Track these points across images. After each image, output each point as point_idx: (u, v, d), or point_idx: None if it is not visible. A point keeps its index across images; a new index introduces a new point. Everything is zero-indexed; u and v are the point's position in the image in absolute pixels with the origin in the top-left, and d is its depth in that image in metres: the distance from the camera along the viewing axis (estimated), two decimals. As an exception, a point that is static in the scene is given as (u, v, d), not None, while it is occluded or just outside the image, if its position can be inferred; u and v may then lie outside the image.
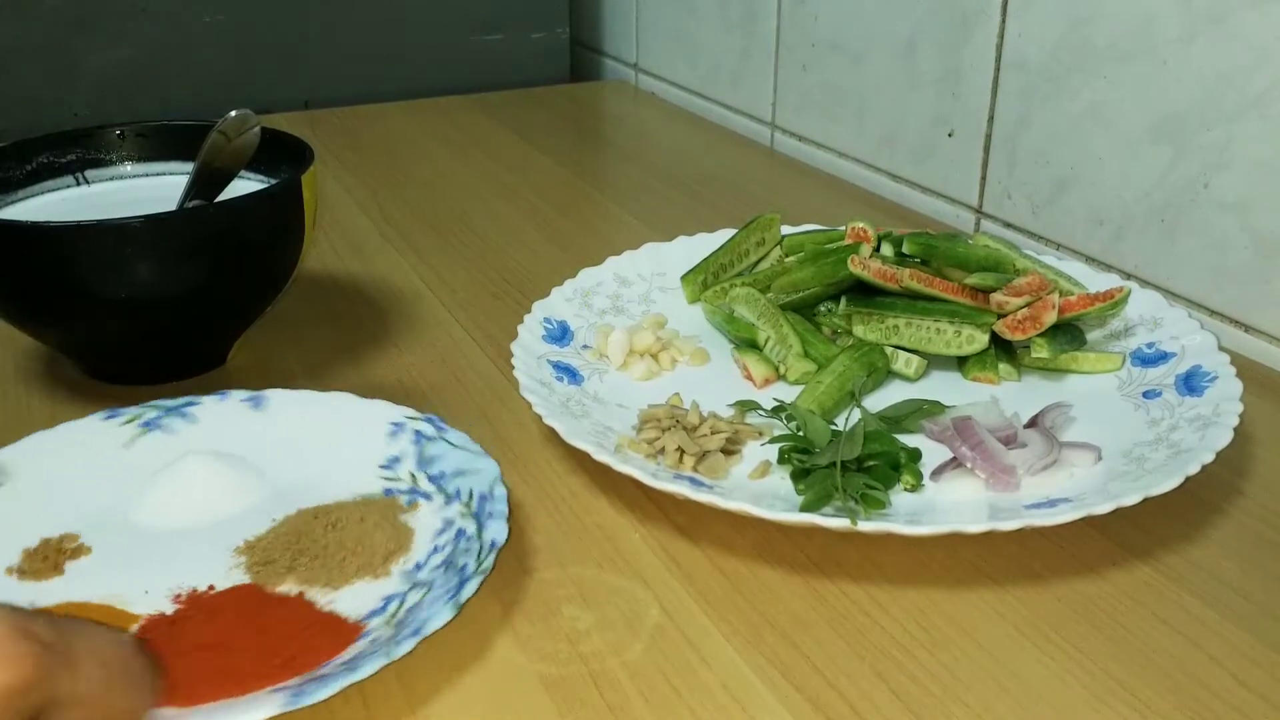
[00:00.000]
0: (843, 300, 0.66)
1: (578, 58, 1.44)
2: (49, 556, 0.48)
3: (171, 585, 0.47)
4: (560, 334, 0.66)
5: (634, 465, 0.52)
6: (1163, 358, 0.63)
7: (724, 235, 0.76)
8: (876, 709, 0.42)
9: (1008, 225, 0.87)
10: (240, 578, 0.47)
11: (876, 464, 0.54)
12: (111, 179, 0.70)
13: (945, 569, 0.50)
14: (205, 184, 0.66)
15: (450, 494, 0.51)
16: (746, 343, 0.66)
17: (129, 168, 0.71)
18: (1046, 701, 0.43)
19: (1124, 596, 0.48)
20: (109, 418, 0.55)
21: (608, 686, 0.43)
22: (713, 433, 0.56)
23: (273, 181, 0.68)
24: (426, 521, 0.50)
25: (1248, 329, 0.71)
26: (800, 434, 0.56)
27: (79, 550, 0.49)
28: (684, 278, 0.73)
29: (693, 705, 0.42)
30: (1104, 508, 0.48)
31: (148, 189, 0.69)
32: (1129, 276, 0.77)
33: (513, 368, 0.60)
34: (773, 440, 0.57)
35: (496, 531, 0.47)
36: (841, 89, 1.02)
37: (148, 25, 1.17)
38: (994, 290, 0.62)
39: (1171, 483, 0.50)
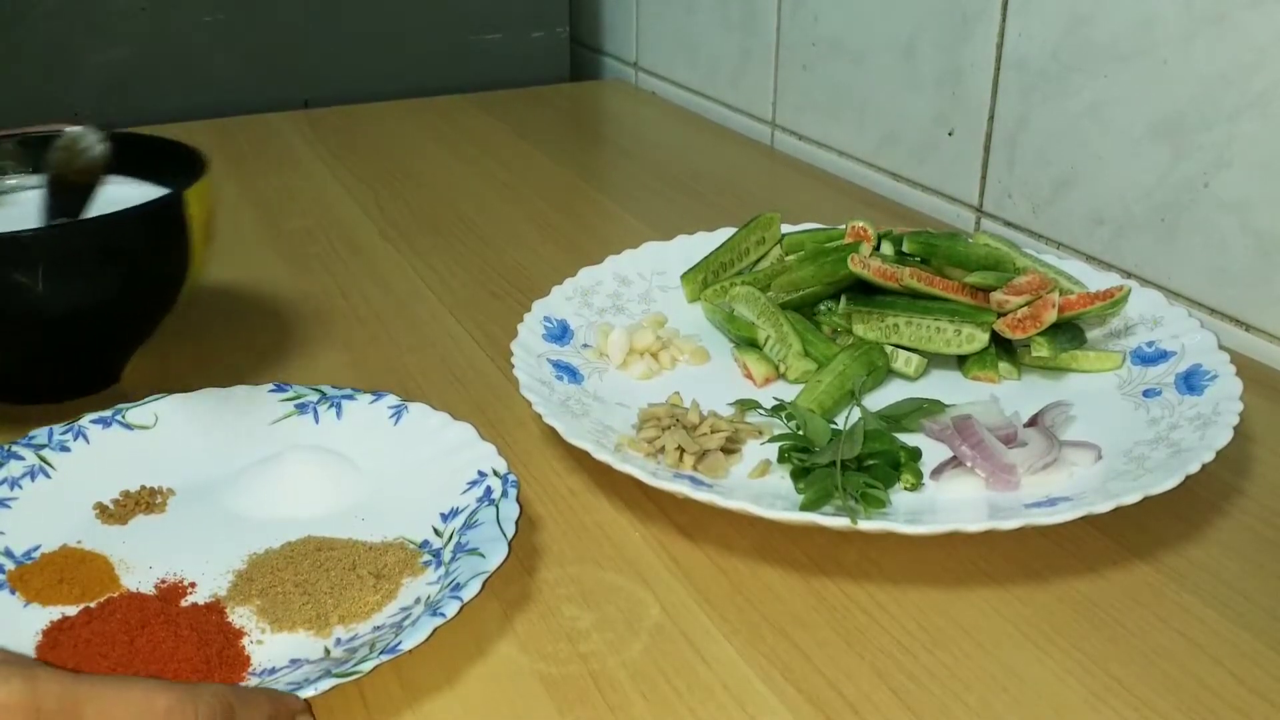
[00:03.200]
0: (843, 299, 0.66)
1: (577, 57, 1.44)
2: (130, 505, 0.52)
3: (170, 571, 0.48)
4: (560, 333, 0.66)
5: (634, 464, 0.52)
6: (1163, 356, 0.63)
7: (724, 234, 0.75)
8: (876, 708, 0.42)
9: (1008, 224, 0.87)
10: (219, 588, 0.47)
11: (876, 463, 0.54)
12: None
13: (945, 568, 0.50)
14: (64, 198, 0.61)
15: (449, 570, 0.47)
16: (746, 341, 0.66)
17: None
18: (1046, 701, 0.43)
19: (1124, 596, 0.48)
20: (274, 390, 0.58)
21: (608, 686, 0.43)
22: (713, 432, 0.56)
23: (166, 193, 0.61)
24: (410, 590, 0.47)
25: (1248, 328, 0.71)
26: (800, 433, 0.56)
27: (159, 507, 0.52)
28: (684, 277, 0.73)
29: (693, 705, 0.42)
30: (1104, 507, 0.48)
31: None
32: (1129, 275, 0.77)
33: (513, 367, 0.60)
34: (773, 439, 0.57)
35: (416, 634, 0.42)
36: (842, 88, 1.02)
37: (148, 25, 1.17)
38: (994, 289, 0.62)
39: (1171, 482, 0.50)
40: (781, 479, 0.55)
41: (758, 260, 0.75)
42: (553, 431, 0.55)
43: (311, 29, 1.24)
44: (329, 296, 0.77)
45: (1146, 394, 0.60)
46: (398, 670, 0.44)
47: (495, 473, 0.51)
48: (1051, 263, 0.69)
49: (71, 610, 0.45)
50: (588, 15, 1.45)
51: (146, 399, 0.57)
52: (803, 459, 0.54)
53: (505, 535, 0.47)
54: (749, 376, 0.64)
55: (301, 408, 0.57)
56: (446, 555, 0.48)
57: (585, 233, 0.88)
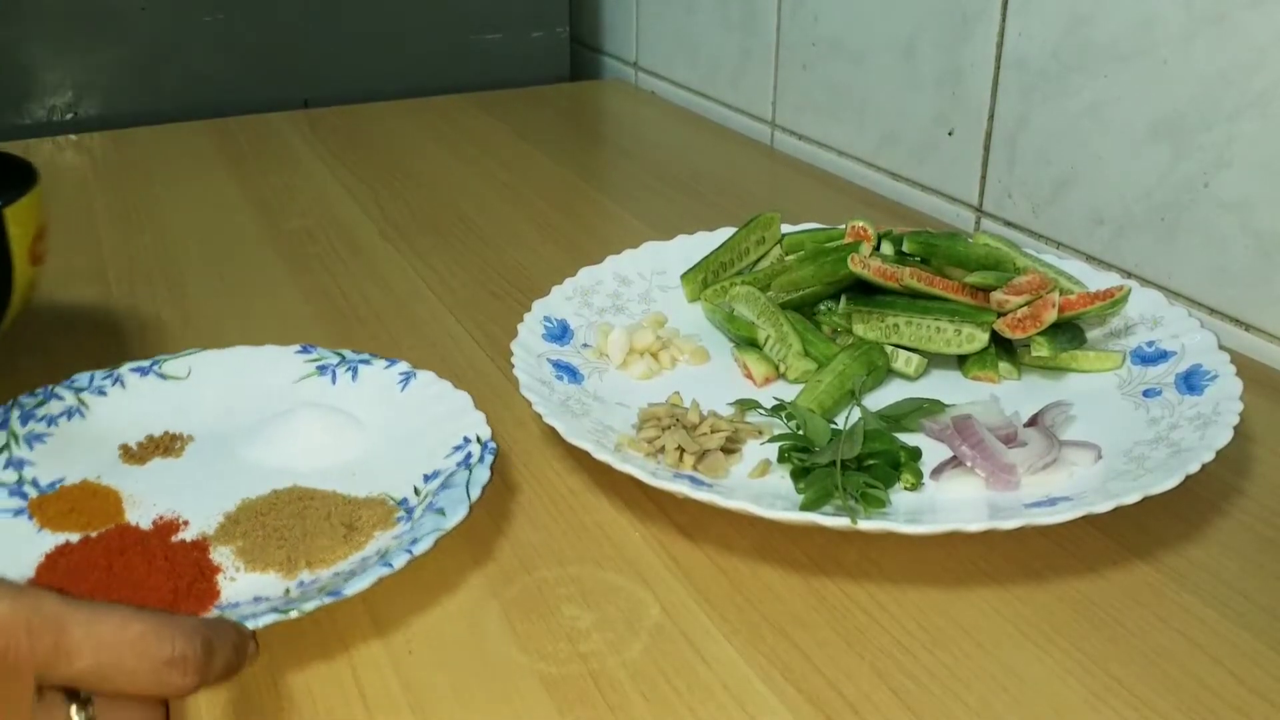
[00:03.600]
0: (843, 299, 0.66)
1: (577, 57, 1.44)
2: (150, 448, 0.57)
3: (170, 509, 0.52)
4: (560, 333, 0.66)
5: (634, 464, 0.52)
6: (1163, 356, 0.63)
7: (724, 234, 0.75)
8: (876, 708, 0.42)
9: (1008, 224, 0.87)
10: (208, 527, 0.51)
11: (876, 463, 0.54)
12: None
13: (945, 568, 0.50)
14: None
15: (414, 526, 0.49)
16: (746, 341, 0.66)
17: None
18: (1046, 701, 0.43)
19: (1124, 595, 0.48)
20: (299, 352, 0.62)
21: (608, 686, 0.43)
22: (713, 431, 0.56)
23: None
24: (377, 544, 0.49)
25: (1248, 328, 0.71)
26: (800, 433, 0.56)
27: (176, 452, 0.57)
28: (684, 276, 0.73)
29: (693, 705, 0.42)
30: (1104, 506, 0.48)
31: None
32: (1129, 275, 0.77)
33: (512, 367, 0.60)
34: (773, 439, 0.57)
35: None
36: (842, 88, 1.02)
37: (148, 25, 1.17)
38: (994, 289, 0.62)
39: (1171, 481, 0.50)
40: (781, 479, 0.55)
41: (758, 260, 0.75)
42: (553, 431, 0.55)
43: (311, 29, 1.24)
44: (329, 296, 0.77)
45: (1146, 394, 0.60)
46: (398, 670, 0.44)
47: (478, 440, 0.54)
48: (1051, 262, 0.69)
49: (74, 538, 0.49)
50: (588, 15, 1.45)
51: (184, 352, 0.62)
52: (803, 459, 0.54)
53: (470, 497, 0.50)
54: (749, 376, 0.64)
55: (322, 369, 0.62)
56: (417, 513, 0.51)
57: (585, 233, 0.88)
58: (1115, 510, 0.48)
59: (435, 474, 0.54)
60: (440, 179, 1.01)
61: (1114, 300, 0.63)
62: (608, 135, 1.22)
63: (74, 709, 0.34)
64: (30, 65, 1.14)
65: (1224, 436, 0.53)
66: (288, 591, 0.47)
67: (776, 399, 0.60)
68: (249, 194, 0.97)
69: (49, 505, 0.52)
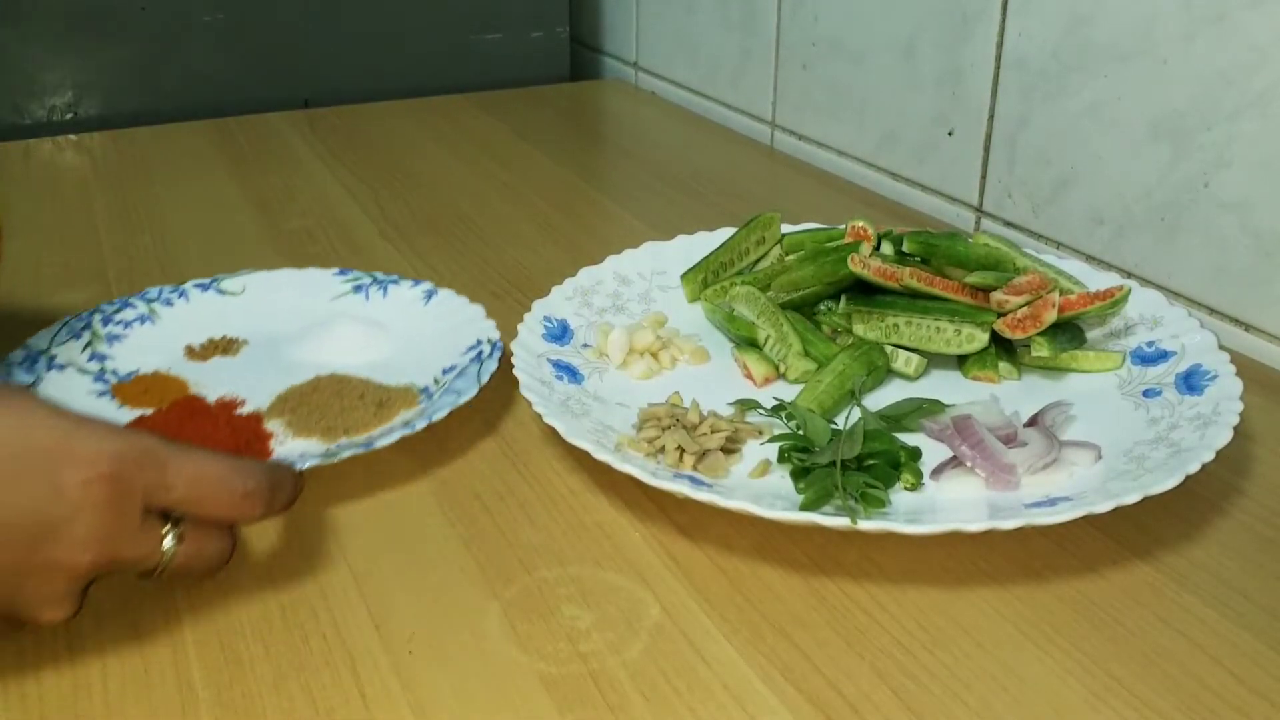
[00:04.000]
0: (843, 299, 0.66)
1: (577, 57, 1.44)
2: (211, 348, 0.68)
3: (229, 392, 0.62)
4: (560, 333, 0.66)
5: (634, 464, 0.52)
6: (1163, 356, 0.63)
7: (724, 234, 0.75)
8: (876, 708, 0.42)
9: (1008, 224, 0.87)
10: (262, 405, 0.61)
11: (876, 463, 0.54)
12: None
13: (945, 568, 0.50)
14: None
15: (433, 404, 0.60)
16: (746, 341, 0.66)
17: None
18: (1046, 701, 0.43)
19: (1124, 595, 0.48)
20: (338, 274, 0.73)
21: (608, 686, 0.43)
22: (713, 431, 0.56)
23: None
24: (402, 418, 0.60)
25: (1248, 328, 0.71)
26: (800, 433, 0.56)
27: (233, 351, 0.68)
28: (684, 276, 0.73)
29: (693, 705, 0.42)
30: (1104, 506, 0.48)
31: None
32: (1129, 275, 0.77)
33: (512, 366, 0.60)
34: (773, 439, 0.57)
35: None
36: (842, 88, 1.02)
37: (148, 25, 1.17)
38: (994, 289, 0.62)
39: (1171, 481, 0.50)
40: (781, 479, 0.55)
41: (758, 260, 0.75)
42: (553, 431, 0.55)
43: (311, 29, 1.24)
44: (329, 296, 0.77)
45: (1146, 394, 0.60)
46: (398, 670, 0.44)
47: (489, 340, 0.65)
48: (1051, 262, 0.69)
49: (149, 411, 0.60)
50: (588, 15, 1.45)
51: (239, 271, 0.74)
52: (803, 459, 0.54)
53: (480, 380, 0.60)
54: (749, 376, 0.64)
55: (357, 288, 0.73)
56: (436, 395, 0.61)
57: (585, 233, 0.88)
58: (1115, 510, 0.48)
59: (452, 368, 0.64)
60: (440, 179, 1.01)
61: (1114, 300, 0.63)
62: (608, 135, 1.22)
63: (168, 527, 0.43)
64: (30, 65, 1.14)
65: (1224, 436, 0.53)
66: (327, 451, 0.56)
67: (776, 399, 0.60)
68: (249, 194, 0.97)
69: (128, 389, 0.63)
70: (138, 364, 0.65)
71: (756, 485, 0.54)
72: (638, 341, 0.65)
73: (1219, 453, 0.52)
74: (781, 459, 0.55)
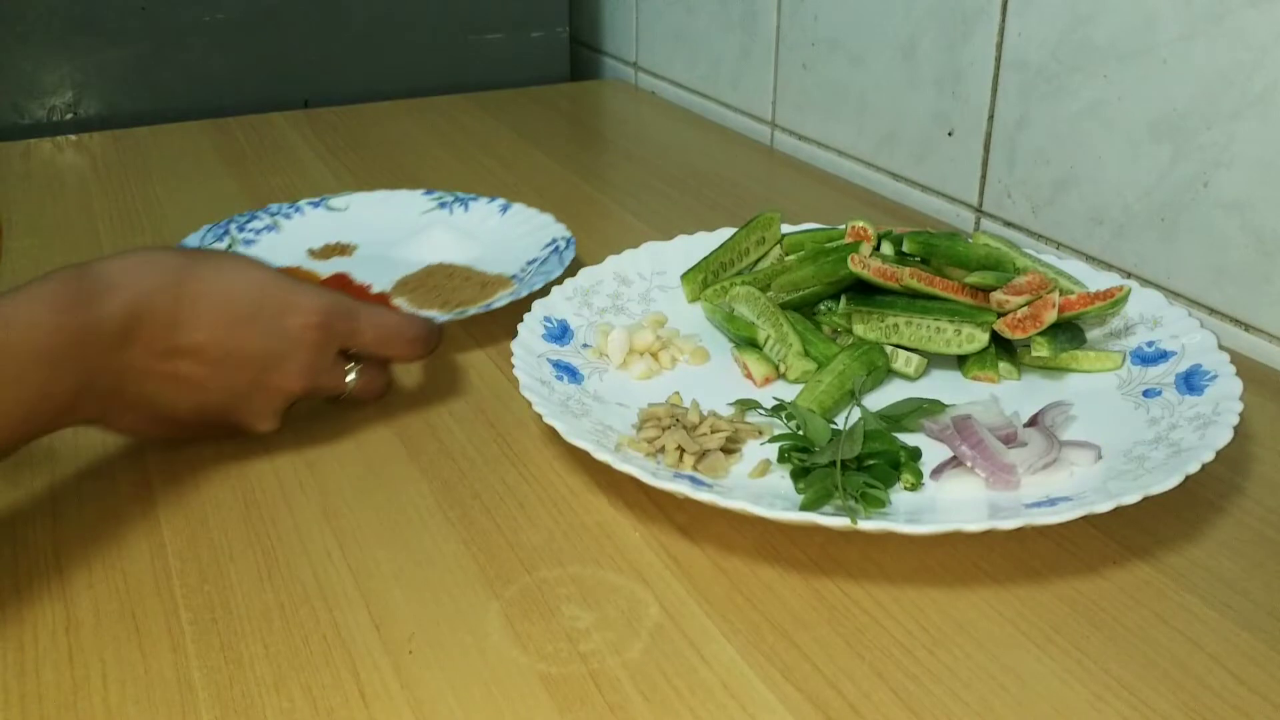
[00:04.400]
0: (843, 299, 0.66)
1: (577, 56, 1.44)
2: (329, 251, 0.83)
3: (359, 280, 0.77)
4: (560, 333, 0.66)
5: (634, 464, 0.52)
6: (1163, 356, 0.63)
7: (724, 234, 0.75)
8: (876, 708, 0.42)
9: (1008, 224, 0.87)
10: (386, 287, 0.77)
11: (876, 463, 0.54)
12: None
13: (945, 568, 0.50)
14: None
15: (527, 284, 0.73)
16: (746, 341, 0.66)
17: None
18: (1046, 701, 0.43)
19: (1124, 595, 0.48)
20: (425, 194, 0.89)
21: (608, 686, 0.43)
22: (713, 431, 0.56)
23: None
24: (503, 293, 0.74)
25: (1247, 328, 0.71)
26: (800, 433, 0.56)
27: (348, 253, 0.83)
28: (684, 276, 0.73)
29: (693, 705, 0.42)
30: (1104, 506, 0.48)
31: None
32: (1129, 275, 0.77)
33: (513, 366, 0.60)
34: (773, 439, 0.57)
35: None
36: (842, 88, 1.02)
37: (148, 25, 1.17)
38: (994, 289, 0.62)
39: (1171, 481, 0.50)
40: (781, 479, 0.55)
41: (758, 260, 0.75)
42: (553, 431, 0.55)
43: (311, 29, 1.24)
44: (329, 296, 0.77)
45: (1146, 394, 0.60)
46: (398, 670, 0.44)
47: (563, 238, 0.80)
48: (1051, 262, 0.69)
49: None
50: (588, 15, 1.45)
51: (342, 192, 0.90)
52: (803, 459, 0.54)
53: (563, 263, 0.75)
54: (749, 376, 0.64)
55: (442, 204, 0.89)
56: (525, 278, 0.76)
57: (585, 233, 0.88)
58: (1115, 510, 0.48)
59: (534, 260, 0.78)
60: (440, 179, 1.00)
61: (1114, 300, 0.63)
62: (608, 135, 1.21)
63: (350, 365, 0.58)
64: (30, 65, 1.14)
65: (1224, 436, 0.53)
66: (455, 315, 0.70)
67: (776, 399, 0.60)
68: (249, 194, 0.97)
69: None
70: (273, 262, 0.73)
71: (756, 485, 0.54)
72: (638, 341, 0.65)
73: (1219, 453, 0.52)
74: (781, 459, 0.55)
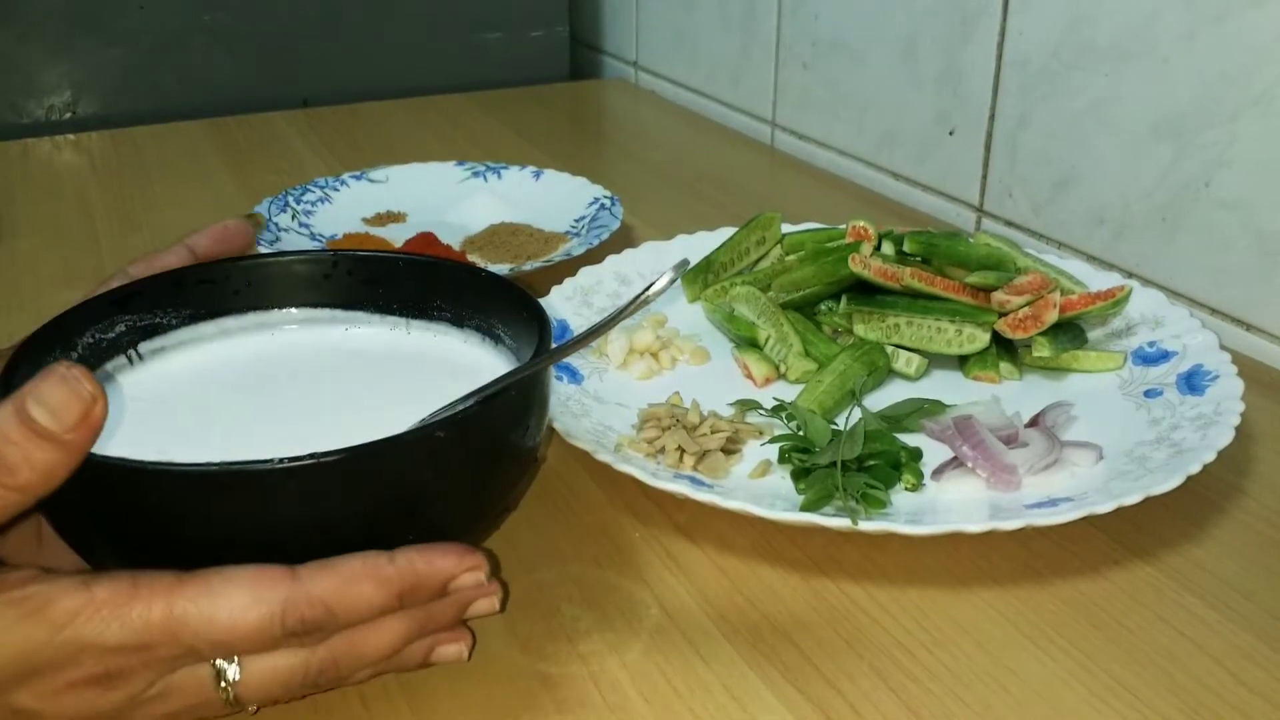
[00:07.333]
0: (843, 299, 0.66)
1: (577, 56, 1.44)
2: (382, 218, 0.88)
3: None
4: (560, 333, 0.66)
5: (634, 464, 0.52)
6: (1164, 356, 0.62)
7: (724, 234, 0.75)
8: (876, 709, 0.42)
9: (1009, 224, 0.87)
10: (456, 244, 0.82)
11: (877, 463, 0.53)
12: (166, 349, 0.50)
13: (945, 569, 0.50)
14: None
15: (585, 239, 0.80)
16: (747, 341, 0.66)
17: (186, 332, 0.51)
18: (1046, 701, 0.42)
19: (1125, 596, 0.48)
20: (458, 165, 0.95)
21: (607, 686, 0.43)
22: (713, 432, 0.56)
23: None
24: (562, 249, 0.80)
25: (1249, 328, 0.70)
26: (800, 433, 0.56)
27: (400, 220, 0.88)
28: (684, 276, 0.73)
29: (693, 705, 0.42)
30: (1105, 507, 0.48)
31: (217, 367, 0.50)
32: (1130, 275, 0.77)
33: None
34: (773, 439, 0.57)
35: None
36: (842, 87, 1.02)
37: (146, 24, 1.17)
38: (995, 289, 0.62)
39: (1173, 482, 0.49)
40: (782, 479, 0.55)
41: (758, 260, 0.75)
42: (552, 431, 0.55)
43: (311, 29, 1.24)
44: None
45: (1148, 394, 0.60)
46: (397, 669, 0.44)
47: (606, 195, 0.86)
48: (1052, 262, 0.69)
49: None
50: (588, 14, 1.45)
51: (380, 164, 0.94)
52: (803, 459, 0.54)
53: (616, 218, 0.82)
54: (749, 376, 0.64)
55: (475, 174, 0.94)
56: (582, 233, 0.82)
57: (585, 232, 0.88)
58: (1116, 511, 0.48)
59: (582, 217, 0.85)
60: (440, 178, 1.00)
61: (1115, 300, 0.63)
62: (608, 135, 1.21)
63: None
64: (29, 64, 1.14)
65: (1225, 437, 0.53)
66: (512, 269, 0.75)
67: (777, 399, 0.59)
68: (249, 194, 0.96)
69: (338, 244, 0.82)
70: (333, 230, 0.84)
71: (757, 486, 0.54)
72: (638, 342, 0.65)
73: (1220, 453, 0.52)
74: (782, 459, 0.55)
